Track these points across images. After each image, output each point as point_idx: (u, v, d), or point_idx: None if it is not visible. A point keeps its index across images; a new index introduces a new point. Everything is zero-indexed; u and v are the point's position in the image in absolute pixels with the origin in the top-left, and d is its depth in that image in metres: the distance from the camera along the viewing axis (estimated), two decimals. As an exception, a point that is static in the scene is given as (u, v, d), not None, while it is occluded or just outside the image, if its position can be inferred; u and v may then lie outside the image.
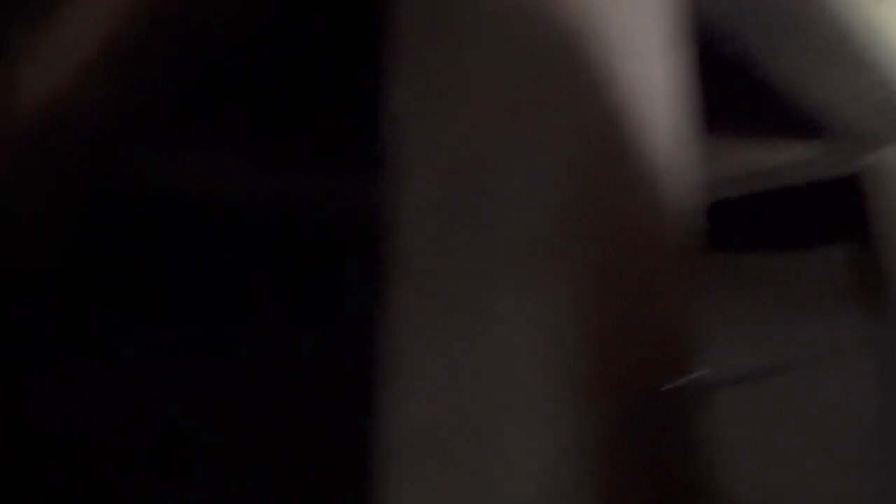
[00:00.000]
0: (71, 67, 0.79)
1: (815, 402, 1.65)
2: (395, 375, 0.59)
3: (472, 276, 0.59)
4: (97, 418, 1.38)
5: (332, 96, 1.16)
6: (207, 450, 1.42)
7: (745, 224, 2.09)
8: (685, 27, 0.65)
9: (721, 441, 0.60)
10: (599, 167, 0.58)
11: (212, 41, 0.85)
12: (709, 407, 0.60)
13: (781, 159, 1.53)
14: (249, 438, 1.42)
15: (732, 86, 1.12)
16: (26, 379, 1.30)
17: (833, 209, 1.58)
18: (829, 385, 1.64)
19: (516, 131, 0.58)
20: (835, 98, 1.17)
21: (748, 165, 1.58)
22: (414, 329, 0.60)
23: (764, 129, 1.50)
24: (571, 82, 0.58)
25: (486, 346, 0.56)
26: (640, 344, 0.56)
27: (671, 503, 0.54)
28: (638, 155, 0.58)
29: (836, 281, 1.70)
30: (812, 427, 1.66)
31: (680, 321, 0.60)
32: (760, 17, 0.89)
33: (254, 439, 1.42)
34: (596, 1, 0.59)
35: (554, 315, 0.54)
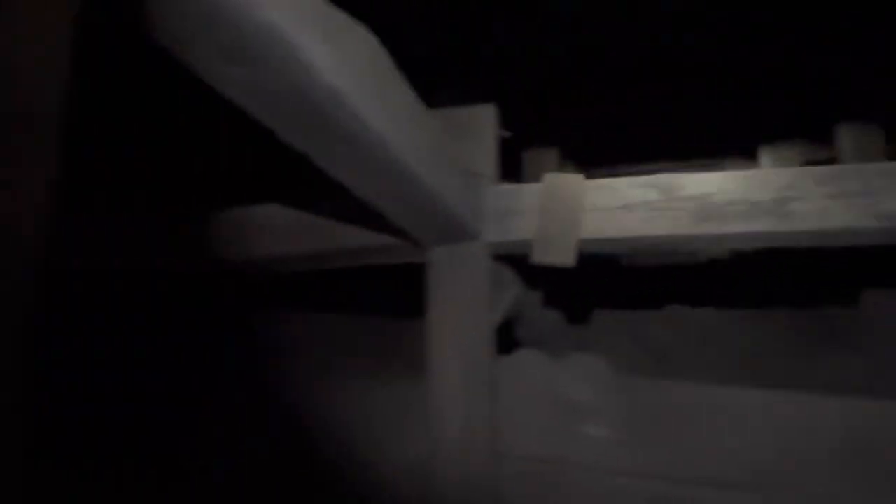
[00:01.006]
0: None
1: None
2: None
3: None
4: None
5: None
6: None
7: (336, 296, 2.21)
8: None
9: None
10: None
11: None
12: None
13: (364, 241, 1.61)
14: None
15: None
16: None
17: (408, 289, 1.70)
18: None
19: None
20: (381, 202, 1.24)
21: (337, 244, 1.64)
22: None
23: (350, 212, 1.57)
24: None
25: None
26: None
27: None
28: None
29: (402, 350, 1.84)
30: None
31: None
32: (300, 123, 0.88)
33: None
34: None
35: None
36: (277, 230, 1.78)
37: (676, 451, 1.52)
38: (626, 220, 1.54)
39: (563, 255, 1.54)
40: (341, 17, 0.86)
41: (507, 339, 2.03)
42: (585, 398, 1.55)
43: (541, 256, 1.55)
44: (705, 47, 2.29)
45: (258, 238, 1.79)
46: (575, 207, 1.55)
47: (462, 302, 1.58)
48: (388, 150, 1.00)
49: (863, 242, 1.46)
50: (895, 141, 2.60)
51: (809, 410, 1.50)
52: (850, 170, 1.45)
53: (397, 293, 2.10)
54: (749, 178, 1.51)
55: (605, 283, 3.34)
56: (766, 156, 3.11)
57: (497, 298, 1.71)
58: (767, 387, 1.63)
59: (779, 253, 1.63)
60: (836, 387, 2.69)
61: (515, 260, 1.76)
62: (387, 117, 0.98)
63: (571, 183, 1.57)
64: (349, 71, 0.84)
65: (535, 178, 1.77)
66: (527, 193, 1.61)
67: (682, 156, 3.31)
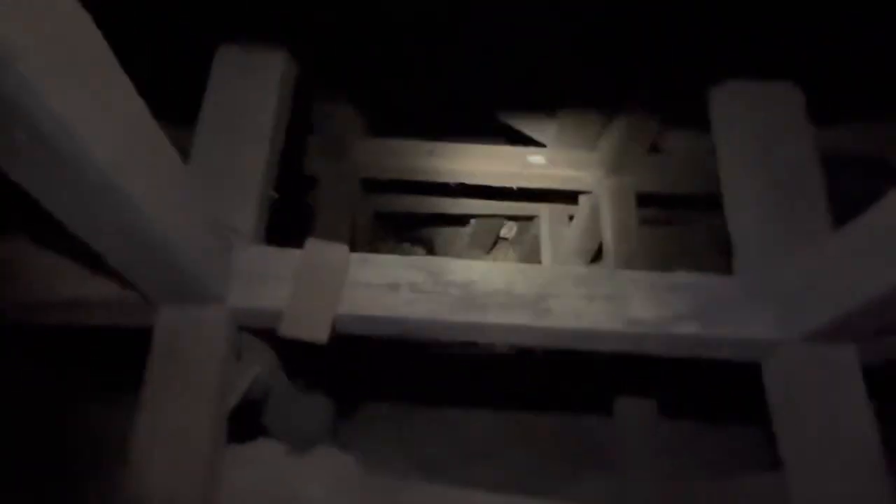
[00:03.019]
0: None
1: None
2: None
3: None
4: None
5: None
6: None
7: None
8: None
9: None
10: None
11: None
12: None
13: (87, 293, 1.34)
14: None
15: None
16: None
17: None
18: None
19: None
20: (93, 237, 1.04)
21: (48, 293, 1.35)
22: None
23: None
24: None
25: None
26: None
27: None
28: None
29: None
30: None
31: None
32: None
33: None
34: None
35: None
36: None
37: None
38: (389, 300, 1.43)
39: (315, 331, 1.38)
40: None
41: (250, 424, 1.78)
42: (319, 498, 1.35)
43: (290, 329, 1.38)
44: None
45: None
46: (335, 280, 1.42)
47: (186, 377, 1.33)
48: (105, 177, 0.81)
49: (612, 347, 1.48)
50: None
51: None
52: (604, 274, 1.49)
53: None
54: (512, 271, 1.48)
55: (381, 370, 3.18)
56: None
57: (236, 376, 1.49)
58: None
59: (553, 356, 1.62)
60: None
61: (271, 333, 1.56)
62: (111, 140, 0.80)
63: (335, 253, 1.44)
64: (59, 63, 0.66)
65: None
66: (285, 258, 1.45)
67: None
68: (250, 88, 1.63)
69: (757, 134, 1.65)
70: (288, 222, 2.37)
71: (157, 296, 1.32)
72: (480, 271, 1.47)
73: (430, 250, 4.98)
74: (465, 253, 4.85)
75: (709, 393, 2.67)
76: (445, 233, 4.90)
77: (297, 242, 1.48)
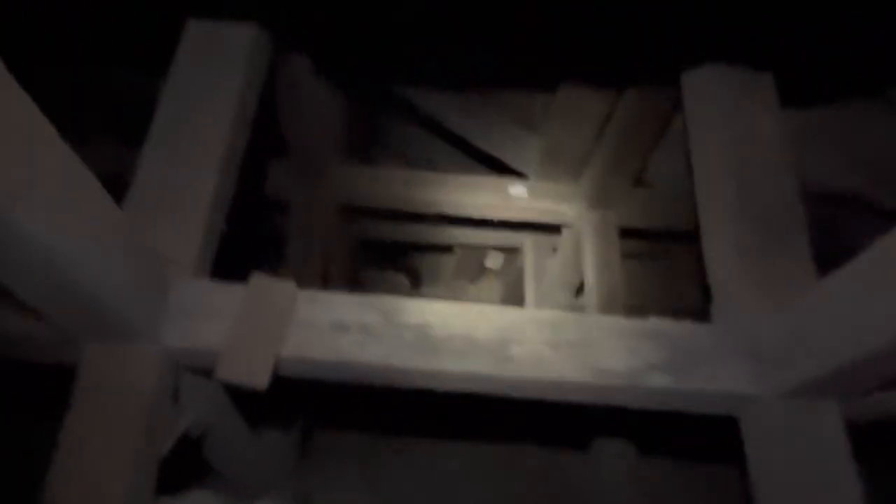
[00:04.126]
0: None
1: None
2: None
3: None
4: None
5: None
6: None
7: None
8: None
9: None
10: None
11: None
12: None
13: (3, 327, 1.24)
14: None
15: None
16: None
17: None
18: None
19: None
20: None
21: None
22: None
23: None
24: None
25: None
26: None
27: None
28: None
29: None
30: None
31: None
32: None
33: None
34: None
35: None
36: None
37: None
38: (337, 342, 1.32)
39: (254, 375, 1.26)
40: None
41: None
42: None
43: (226, 372, 1.26)
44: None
45: None
46: (279, 320, 1.31)
47: (111, 420, 1.21)
48: None
49: (579, 398, 1.37)
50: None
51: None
52: (571, 319, 1.39)
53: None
54: (473, 313, 1.38)
55: (346, 398, 3.03)
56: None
57: (171, 419, 1.37)
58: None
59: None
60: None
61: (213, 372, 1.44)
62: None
63: (281, 290, 1.34)
64: None
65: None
66: (229, 294, 1.35)
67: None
68: (202, 110, 1.54)
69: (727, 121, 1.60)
70: (251, 251, 2.26)
71: (79, 333, 1.21)
72: (438, 313, 1.37)
73: (415, 279, 4.87)
74: (450, 282, 4.74)
75: (689, 433, 2.57)
76: (430, 261, 4.80)
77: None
